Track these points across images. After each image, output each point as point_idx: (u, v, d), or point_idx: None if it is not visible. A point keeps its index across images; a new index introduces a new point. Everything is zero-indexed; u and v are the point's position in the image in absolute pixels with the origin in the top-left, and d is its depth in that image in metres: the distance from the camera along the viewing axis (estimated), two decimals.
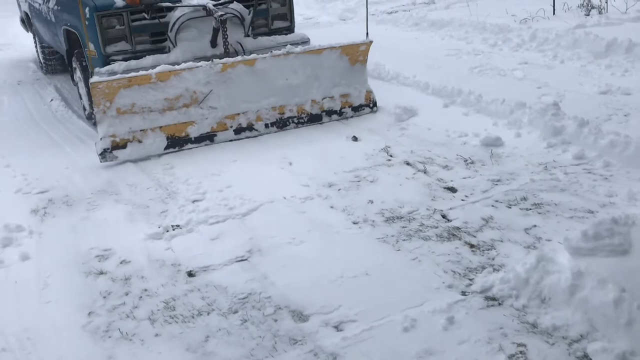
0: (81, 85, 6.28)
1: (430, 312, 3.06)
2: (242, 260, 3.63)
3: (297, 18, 11.97)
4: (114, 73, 5.33)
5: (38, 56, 8.88)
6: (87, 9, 5.49)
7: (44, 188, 4.73)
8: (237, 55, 5.70)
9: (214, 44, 5.75)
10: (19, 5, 9.19)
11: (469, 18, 9.96)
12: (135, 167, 5.04)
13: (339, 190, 4.46)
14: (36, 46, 8.80)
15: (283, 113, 5.66)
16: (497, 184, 4.40)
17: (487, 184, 4.41)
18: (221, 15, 5.54)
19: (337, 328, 3.01)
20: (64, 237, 4.00)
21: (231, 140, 5.49)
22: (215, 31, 5.66)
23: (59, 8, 6.41)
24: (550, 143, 4.93)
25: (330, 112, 5.85)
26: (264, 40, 6.09)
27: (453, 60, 7.91)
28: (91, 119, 5.91)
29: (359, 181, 4.58)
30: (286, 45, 5.83)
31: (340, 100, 5.89)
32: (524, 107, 5.48)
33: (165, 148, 5.26)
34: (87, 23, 5.38)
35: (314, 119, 5.79)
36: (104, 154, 5.07)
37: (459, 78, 6.88)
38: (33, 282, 3.50)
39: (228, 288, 3.36)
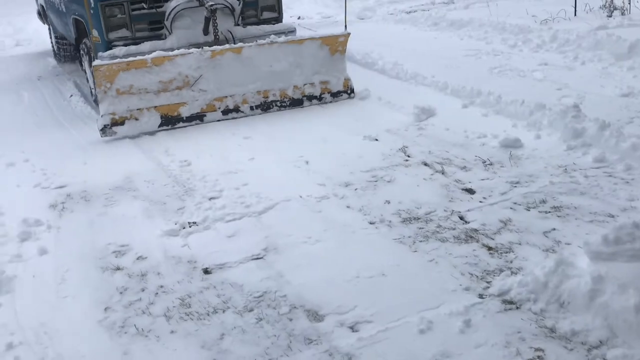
0: (88, 70, 6.70)
1: (446, 315, 3.04)
2: (257, 258, 3.62)
3: (314, 16, 12.03)
4: (115, 57, 5.83)
5: (52, 46, 9.42)
6: (91, 0, 6.02)
7: (62, 183, 4.76)
8: (227, 43, 6.18)
9: (205, 31, 6.23)
10: (36, 0, 9.80)
11: (488, 18, 9.88)
12: (152, 162, 5.06)
13: (356, 189, 4.44)
14: (51, 36, 9.38)
15: (267, 97, 6.16)
16: (516, 186, 4.36)
17: (505, 186, 4.37)
18: (212, 6, 6.05)
19: (353, 328, 2.99)
20: (81, 232, 4.02)
21: (219, 120, 5.98)
22: (207, 20, 6.14)
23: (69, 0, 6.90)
24: (570, 145, 4.87)
25: (310, 97, 6.32)
26: (253, 29, 6.59)
27: (472, 61, 7.85)
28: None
29: (375, 181, 4.56)
30: (271, 35, 6.30)
31: (320, 86, 6.36)
32: (543, 109, 5.43)
33: (159, 126, 5.76)
34: (91, 12, 6.02)
35: (296, 103, 6.27)
36: (104, 130, 5.59)
37: (478, 78, 6.83)
38: (51, 277, 3.52)
39: (244, 286, 3.35)
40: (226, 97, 5.98)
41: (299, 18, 12.02)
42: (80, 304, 3.27)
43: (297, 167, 4.86)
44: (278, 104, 6.19)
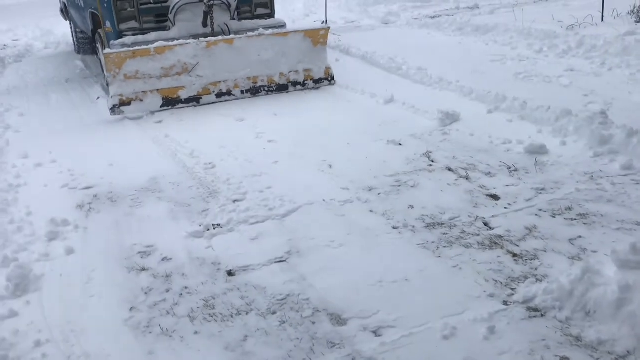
0: (101, 57, 7.35)
1: (470, 321, 3.02)
2: (281, 261, 3.64)
3: (339, 21, 12.02)
4: (125, 45, 6.63)
5: (73, 40, 10.28)
6: None
7: (89, 184, 4.82)
8: (223, 35, 6.96)
9: (204, 24, 6.98)
10: None
11: (514, 23, 9.81)
12: (177, 165, 5.11)
13: (379, 194, 4.44)
14: (72, 31, 10.22)
15: (256, 82, 6.91)
16: (541, 193, 4.32)
17: (530, 193, 4.33)
18: (209, 1, 6.82)
19: (376, 333, 2.99)
20: (107, 233, 4.07)
21: (213, 103, 6.74)
22: (205, 14, 6.91)
23: None
24: (596, 152, 4.81)
25: (295, 83, 7.07)
26: (247, 23, 7.36)
27: (497, 66, 7.80)
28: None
29: (399, 186, 4.55)
30: (260, 28, 7.07)
31: (303, 73, 7.10)
32: (570, 115, 5.37)
33: (161, 106, 6.57)
34: (105, 6, 6.92)
35: (281, 88, 7.02)
36: (113, 109, 6.41)
37: (504, 84, 6.79)
38: (77, 276, 3.58)
39: (267, 289, 3.37)
40: (220, 82, 6.75)
41: (322, 23, 12.00)
42: (106, 304, 3.31)
43: (321, 171, 4.87)
44: (266, 88, 6.95)
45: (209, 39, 6.63)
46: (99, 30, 7.44)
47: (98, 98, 7.30)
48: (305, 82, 7.10)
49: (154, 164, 5.15)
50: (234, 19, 7.28)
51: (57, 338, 3.04)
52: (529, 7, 11.55)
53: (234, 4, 7.20)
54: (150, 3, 6.99)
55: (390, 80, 7.44)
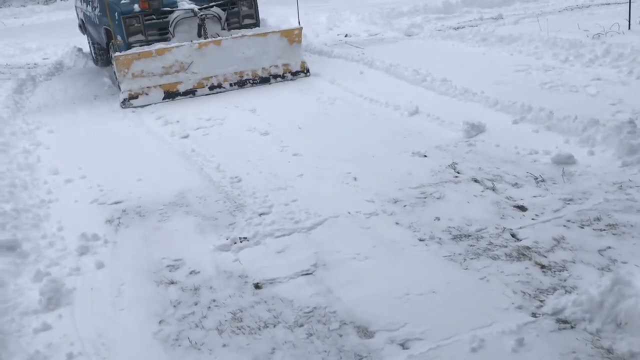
0: (114, 62, 8.28)
1: (499, 333, 3.00)
2: (307, 274, 3.66)
3: (362, 34, 12.05)
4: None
5: (91, 51, 11.27)
6: (116, 14, 8.20)
7: (118, 199, 4.90)
8: None
9: (199, 34, 8.23)
10: (77, 15, 11.97)
11: (538, 33, 9.74)
12: (203, 179, 5.16)
13: (405, 206, 4.43)
14: (89, 43, 11.27)
15: (242, 76, 8.17)
16: (569, 203, 4.27)
17: (558, 203, 4.29)
18: (202, 16, 8.13)
19: (403, 346, 2.99)
20: (136, 247, 4.14)
21: (207, 95, 7.98)
22: (199, 26, 8.15)
23: (101, 14, 9.01)
24: (625, 162, 4.75)
25: (275, 76, 8.34)
26: (235, 32, 8.46)
27: (522, 76, 7.74)
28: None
29: (425, 198, 4.55)
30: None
31: (282, 67, 8.36)
32: (597, 125, 5.31)
33: (163, 99, 7.86)
34: (116, 23, 8.18)
35: (264, 80, 8.28)
36: (124, 102, 7.73)
37: (529, 94, 6.74)
38: (107, 290, 3.64)
39: (294, 301, 3.39)
40: (211, 77, 8.02)
41: (346, 36, 12.00)
42: (135, 317, 3.36)
43: (346, 184, 4.89)
44: (251, 81, 8.20)
45: (200, 40, 7.96)
46: (112, 43, 8.64)
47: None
48: (284, 74, 8.37)
49: (181, 179, 5.22)
50: (224, 29, 8.54)
51: (89, 351, 3.10)
52: (553, 17, 11.48)
53: (223, 16, 8.51)
54: (154, 19, 8.25)
55: (415, 91, 7.43)
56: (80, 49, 11.79)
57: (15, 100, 8.06)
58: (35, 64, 11.50)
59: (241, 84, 8.14)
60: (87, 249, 4.09)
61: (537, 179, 4.69)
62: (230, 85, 8.10)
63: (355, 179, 4.97)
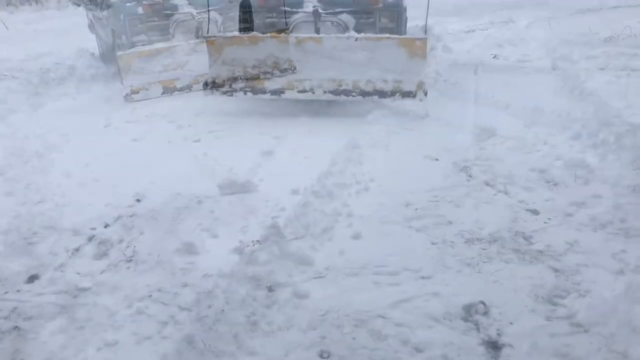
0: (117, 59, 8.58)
1: (512, 336, 2.99)
2: (320, 277, 3.67)
3: (511, 57, 10.04)
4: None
5: (98, 48, 11.37)
6: (122, 15, 8.62)
7: (130, 202, 4.92)
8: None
9: (197, 36, 8.48)
10: (87, 16, 12.12)
11: (549, 35, 9.72)
12: (214, 182, 5.19)
13: (416, 209, 4.44)
14: (97, 42, 11.49)
15: (340, 85, 6.73)
16: (581, 207, 4.27)
17: (571, 207, 4.28)
18: (323, 20, 7.25)
19: (417, 349, 2.99)
20: (150, 250, 4.15)
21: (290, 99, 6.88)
22: (197, 29, 8.44)
23: (107, 16, 9.18)
24: (638, 165, 4.73)
25: (381, 93, 6.67)
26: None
27: (534, 79, 7.73)
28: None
29: (437, 201, 4.55)
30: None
31: (392, 84, 6.61)
32: (610, 127, 5.30)
33: (161, 94, 8.05)
34: (121, 24, 8.59)
35: (366, 95, 6.72)
36: (126, 97, 7.90)
37: (540, 97, 6.73)
38: (123, 292, 3.65)
39: (307, 304, 3.40)
40: (305, 79, 6.76)
41: (494, 57, 10.51)
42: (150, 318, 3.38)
43: (358, 185, 4.89)
44: (348, 93, 6.74)
45: (299, 35, 6.87)
46: (117, 42, 8.85)
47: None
48: (393, 92, 6.67)
49: (194, 182, 5.24)
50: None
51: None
52: (564, 20, 11.43)
53: (351, 25, 7.21)
54: (155, 21, 8.69)
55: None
56: (92, 54, 11.85)
57: (31, 103, 8.10)
58: (47, 68, 11.55)
59: (337, 93, 6.80)
60: (101, 253, 4.12)
61: (549, 182, 4.69)
62: (324, 92, 6.82)
63: (371, 180, 4.97)
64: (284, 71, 6.82)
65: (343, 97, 6.76)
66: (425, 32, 6.70)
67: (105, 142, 6.46)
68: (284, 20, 7.43)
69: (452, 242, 3.96)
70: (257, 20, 7.56)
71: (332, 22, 7.23)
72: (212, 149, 6.03)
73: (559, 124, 6.11)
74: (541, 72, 8.85)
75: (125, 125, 6.96)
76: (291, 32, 7.25)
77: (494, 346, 2.99)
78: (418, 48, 6.47)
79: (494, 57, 10.34)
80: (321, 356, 2.97)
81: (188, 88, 8.13)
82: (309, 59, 6.70)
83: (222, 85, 7.07)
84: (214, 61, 7.00)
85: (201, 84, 7.33)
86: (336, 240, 4.10)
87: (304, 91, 6.85)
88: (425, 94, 6.59)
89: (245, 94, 6.98)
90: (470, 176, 4.98)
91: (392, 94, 6.64)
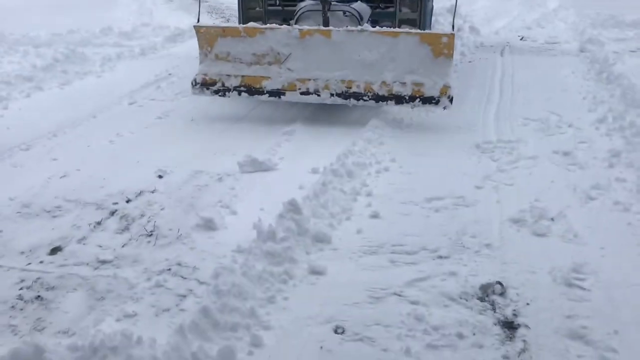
0: None
1: None
2: (337, 254, 3.68)
3: (539, 38, 10.08)
4: None
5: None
6: None
7: (154, 179, 4.98)
8: None
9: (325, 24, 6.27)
10: None
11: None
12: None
13: (436, 190, 4.42)
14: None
15: (350, 87, 5.84)
16: (605, 190, 4.22)
17: (594, 190, 4.25)
18: (332, 8, 6.19)
19: (432, 327, 3.00)
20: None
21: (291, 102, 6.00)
22: (324, 21, 6.15)
23: None
24: None
25: (398, 98, 5.71)
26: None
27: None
28: None
29: (457, 182, 4.52)
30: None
31: (412, 87, 5.70)
32: (637, 110, 5.20)
33: (239, 94, 6.11)
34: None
35: (380, 99, 5.76)
36: (194, 86, 6.21)
37: (567, 80, 6.61)
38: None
39: (323, 280, 3.42)
40: (309, 79, 5.91)
41: (521, 39, 10.49)
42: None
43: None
44: (360, 96, 5.79)
45: (303, 27, 5.96)
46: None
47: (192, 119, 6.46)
48: (412, 97, 5.67)
49: (215, 160, 5.27)
50: None
51: None
52: (594, 2, 11.14)
53: (366, 16, 6.35)
54: (276, 5, 6.99)
55: None
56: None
57: (57, 80, 8.17)
58: (74, 45, 11.64)
59: (346, 96, 5.84)
60: (123, 226, 4.18)
61: (573, 164, 4.61)
62: (331, 95, 5.86)
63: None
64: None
65: (353, 101, 5.82)
66: (453, 27, 5.84)
67: (130, 120, 6.53)
68: (288, 8, 6.67)
69: (471, 222, 3.94)
70: (258, 8, 6.83)
71: (344, 12, 6.29)
72: (233, 128, 6.07)
73: (585, 106, 6.03)
74: (568, 54, 8.74)
75: (149, 103, 7.02)
76: (296, 23, 6.39)
77: (509, 326, 2.99)
78: (444, 46, 5.58)
79: (521, 39, 10.21)
80: (336, 332, 2.98)
81: (278, 94, 6.04)
82: (314, 56, 5.86)
83: (213, 84, 6.18)
84: (205, 55, 6.23)
85: (298, 92, 5.93)
86: (354, 219, 4.11)
87: (308, 93, 5.92)
88: (451, 100, 5.65)
89: (239, 94, 6.10)
90: (492, 158, 4.94)
91: (411, 99, 5.68)
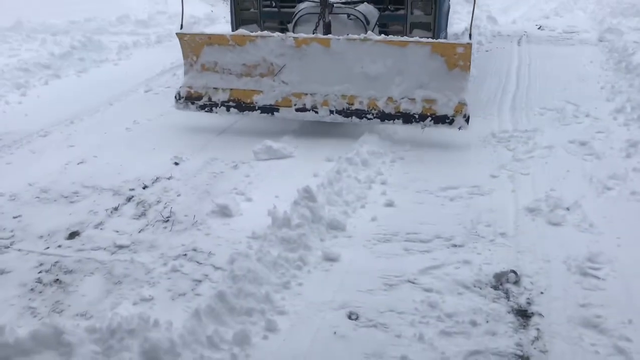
0: None
1: None
2: (351, 242, 3.70)
3: (558, 27, 9.88)
4: None
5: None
6: None
7: (170, 165, 5.02)
8: None
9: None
10: None
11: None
12: None
13: (451, 179, 4.42)
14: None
15: (352, 103, 5.20)
16: (621, 180, 4.19)
17: (611, 180, 4.26)
18: (333, 10, 5.60)
19: (445, 314, 3.01)
20: None
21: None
22: (326, 26, 5.59)
23: None
24: None
25: (407, 116, 5.07)
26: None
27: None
28: None
29: (472, 171, 4.52)
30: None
31: (422, 104, 5.05)
32: None
33: (227, 111, 5.52)
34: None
35: (386, 118, 5.12)
36: (177, 101, 5.62)
37: (584, 69, 6.56)
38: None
39: (337, 267, 3.44)
40: (306, 93, 5.30)
41: (539, 28, 10.30)
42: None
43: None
44: (364, 115, 5.17)
45: (298, 35, 5.34)
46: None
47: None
48: (423, 115, 5.04)
49: (231, 147, 5.29)
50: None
51: None
52: None
53: (373, 20, 5.72)
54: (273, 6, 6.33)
55: None
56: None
57: (74, 68, 8.23)
58: (90, 34, 11.72)
59: (347, 114, 5.21)
60: (140, 212, 4.23)
61: (590, 154, 4.58)
62: (331, 112, 5.24)
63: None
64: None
65: (355, 120, 5.21)
66: (471, 36, 5.21)
67: (146, 107, 6.58)
68: (285, 10, 5.96)
69: (486, 211, 3.94)
70: (252, 9, 6.10)
71: (349, 16, 5.66)
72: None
73: (603, 96, 5.99)
74: (587, 43, 8.66)
75: (165, 91, 7.06)
76: (295, 26, 5.81)
77: (523, 314, 2.99)
78: (460, 57, 4.93)
79: (539, 28, 10.12)
80: (349, 318, 3.00)
81: (271, 110, 5.42)
82: (311, 67, 5.25)
83: (199, 98, 5.58)
84: (190, 65, 5.64)
85: (294, 108, 5.32)
86: (369, 207, 4.12)
87: (304, 110, 5.30)
88: (467, 119, 4.97)
89: (228, 109, 5.49)
90: (507, 147, 4.92)
91: (422, 118, 5.03)
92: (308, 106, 5.30)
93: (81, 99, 6.71)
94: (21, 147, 5.35)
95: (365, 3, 5.72)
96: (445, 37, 5.58)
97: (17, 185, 4.55)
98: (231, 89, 5.51)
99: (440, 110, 5.01)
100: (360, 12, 5.67)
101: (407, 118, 5.06)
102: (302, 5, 5.85)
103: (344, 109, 5.21)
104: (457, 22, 10.06)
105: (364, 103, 5.18)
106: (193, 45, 5.55)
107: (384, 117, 5.12)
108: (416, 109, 5.06)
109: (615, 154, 4.73)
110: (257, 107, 5.42)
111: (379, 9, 5.85)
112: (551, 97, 6.15)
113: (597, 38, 8.91)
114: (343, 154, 4.72)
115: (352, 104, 5.20)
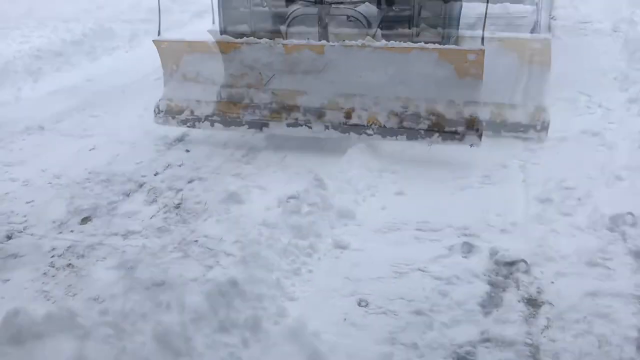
0: None
1: None
2: (361, 230, 3.71)
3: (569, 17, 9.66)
4: None
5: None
6: None
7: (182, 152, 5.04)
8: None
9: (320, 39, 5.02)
10: None
11: None
12: None
13: (462, 168, 4.41)
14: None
15: (350, 115, 4.67)
16: (634, 171, 4.17)
17: (623, 171, 4.22)
18: (330, 11, 5.00)
19: (455, 302, 3.02)
20: None
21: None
22: (323, 27, 5.04)
23: None
24: None
25: (411, 131, 4.55)
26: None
27: None
28: None
29: (483, 161, 4.51)
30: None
31: (428, 118, 4.54)
32: None
33: (211, 126, 4.95)
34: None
35: (388, 133, 4.59)
36: (157, 115, 5.09)
37: (598, 59, 6.49)
38: None
39: (347, 254, 3.46)
40: (298, 105, 4.80)
41: (552, 18, 9.83)
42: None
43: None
44: (363, 129, 4.63)
45: (288, 41, 4.88)
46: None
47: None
48: (430, 131, 4.51)
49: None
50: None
51: None
52: None
53: (375, 21, 5.06)
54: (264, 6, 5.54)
55: None
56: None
57: (86, 56, 8.25)
58: (102, 21, 11.72)
59: (344, 129, 4.67)
60: (151, 199, 4.26)
61: (602, 145, 4.56)
62: (326, 127, 4.69)
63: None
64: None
65: (354, 135, 4.66)
66: (483, 41, 4.33)
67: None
68: (278, 10, 5.31)
69: (497, 201, 3.94)
70: (242, 8, 5.43)
71: (348, 17, 4.99)
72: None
73: (616, 86, 5.94)
74: (600, 33, 8.56)
75: None
76: (288, 27, 5.13)
77: (533, 303, 2.99)
78: (471, 64, 4.39)
79: (552, 18, 10.01)
80: (359, 304, 3.02)
81: (260, 125, 4.86)
82: (303, 77, 4.77)
83: (180, 112, 5.03)
84: (170, 75, 5.16)
85: (284, 122, 4.79)
86: (379, 196, 4.13)
87: (296, 125, 4.75)
88: (480, 135, 4.44)
89: (212, 124, 4.93)
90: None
91: (428, 133, 4.51)
92: (300, 121, 4.76)
93: (93, 86, 6.75)
94: (34, 133, 5.39)
95: (367, 3, 5.08)
96: (456, 39, 5.09)
97: (30, 171, 4.60)
98: (216, 102, 5.00)
99: (449, 125, 4.49)
100: (360, 13, 5.01)
101: (412, 133, 4.55)
102: (294, 6, 5.18)
103: (340, 123, 4.68)
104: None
105: (362, 117, 4.65)
106: (172, 53, 5.08)
107: (385, 132, 4.60)
108: (421, 123, 4.54)
109: (627, 145, 4.69)
110: (244, 122, 4.88)
111: (381, 9, 5.18)
112: (563, 87, 6.08)
113: (611, 28, 8.81)
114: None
115: (350, 118, 4.67)
